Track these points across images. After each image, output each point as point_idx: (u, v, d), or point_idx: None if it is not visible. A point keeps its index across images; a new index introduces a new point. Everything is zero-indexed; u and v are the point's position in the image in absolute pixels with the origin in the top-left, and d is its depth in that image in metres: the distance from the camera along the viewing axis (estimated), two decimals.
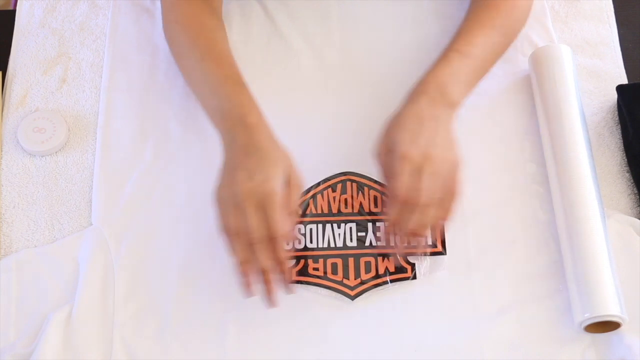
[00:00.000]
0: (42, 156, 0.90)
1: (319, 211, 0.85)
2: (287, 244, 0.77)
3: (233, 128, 0.80)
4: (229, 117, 0.81)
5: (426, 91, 0.82)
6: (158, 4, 1.00)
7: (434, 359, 0.77)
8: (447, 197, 0.78)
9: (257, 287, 0.75)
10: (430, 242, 0.79)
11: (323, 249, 0.83)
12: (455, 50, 0.85)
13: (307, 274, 0.82)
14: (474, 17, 0.90)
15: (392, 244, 0.78)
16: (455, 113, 0.82)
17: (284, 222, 0.74)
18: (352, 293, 0.81)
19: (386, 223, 0.78)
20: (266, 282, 0.75)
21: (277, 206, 0.74)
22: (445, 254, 0.83)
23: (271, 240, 0.74)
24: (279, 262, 0.75)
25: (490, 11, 0.89)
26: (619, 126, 0.91)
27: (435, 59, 0.86)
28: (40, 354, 0.75)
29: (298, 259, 0.83)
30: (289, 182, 0.77)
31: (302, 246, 0.84)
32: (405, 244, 0.78)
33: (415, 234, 0.77)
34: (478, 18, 0.89)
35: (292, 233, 0.77)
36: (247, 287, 0.74)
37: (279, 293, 0.76)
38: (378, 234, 0.84)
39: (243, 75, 0.85)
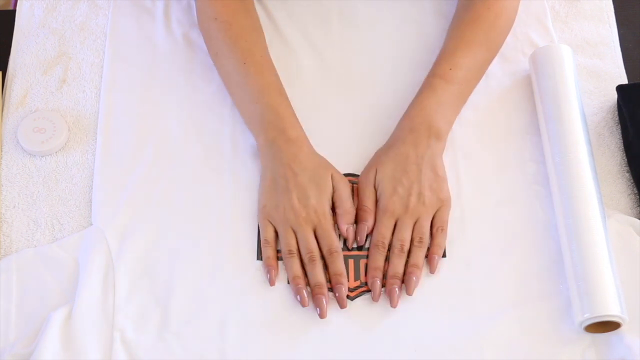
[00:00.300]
0: (42, 156, 0.90)
1: None
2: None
3: (275, 141, 0.84)
4: (271, 129, 0.85)
5: (413, 127, 0.85)
6: (158, 4, 1.00)
7: (434, 359, 0.77)
8: (437, 235, 0.82)
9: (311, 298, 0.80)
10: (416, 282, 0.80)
11: None
12: (439, 76, 0.87)
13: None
14: (457, 33, 0.90)
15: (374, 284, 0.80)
16: (443, 144, 0.86)
17: (337, 238, 0.82)
18: (352, 294, 0.81)
19: (370, 272, 0.81)
20: (320, 295, 0.79)
21: (331, 225, 0.82)
22: (445, 255, 0.83)
23: (331, 255, 0.80)
24: (341, 274, 0.80)
25: (473, 25, 0.90)
26: (619, 126, 0.91)
27: (421, 86, 0.89)
28: (40, 354, 0.75)
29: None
30: (336, 191, 0.83)
31: None
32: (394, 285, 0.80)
33: (402, 277, 0.80)
34: (461, 35, 0.90)
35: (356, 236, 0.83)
36: (304, 300, 0.79)
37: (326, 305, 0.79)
38: None
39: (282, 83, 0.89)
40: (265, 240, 0.82)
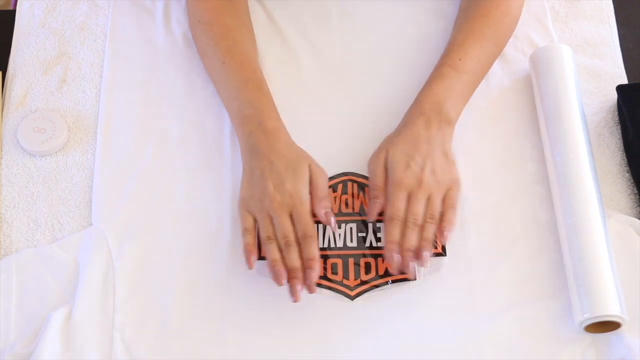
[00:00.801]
0: (42, 156, 0.90)
1: None
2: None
3: (252, 133, 0.84)
4: (248, 122, 0.85)
5: (423, 111, 0.85)
6: (158, 4, 1.00)
7: (434, 359, 0.77)
8: (448, 212, 0.82)
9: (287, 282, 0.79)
10: (430, 252, 0.80)
11: (323, 249, 0.83)
12: (448, 65, 0.88)
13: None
14: (465, 27, 0.91)
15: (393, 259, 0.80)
16: (452, 130, 0.86)
17: (313, 223, 0.80)
18: (352, 293, 0.81)
19: (387, 245, 0.80)
20: (295, 279, 0.78)
21: (307, 210, 0.81)
22: (446, 254, 0.83)
23: (304, 240, 0.79)
24: (312, 259, 0.79)
25: (482, 21, 0.90)
26: (619, 126, 0.91)
27: (430, 75, 0.89)
28: (40, 354, 0.75)
29: None
30: (313, 180, 0.82)
31: None
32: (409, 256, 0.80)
33: (415, 250, 0.80)
34: (470, 29, 0.90)
35: (331, 222, 0.82)
36: (281, 283, 0.78)
37: (303, 291, 0.79)
38: (378, 234, 0.84)
39: (265, 79, 0.89)
40: (245, 228, 0.81)
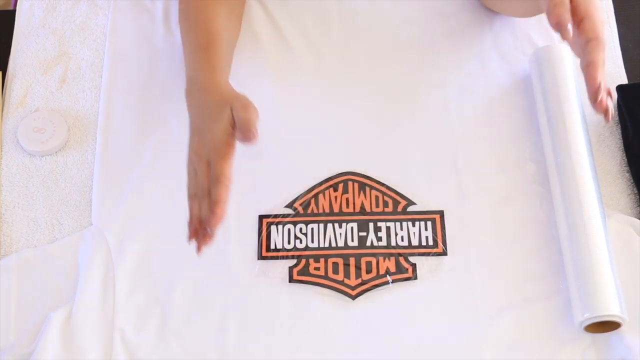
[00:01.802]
0: (42, 156, 0.90)
1: (321, 211, 0.85)
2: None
3: (191, 94, 0.82)
4: (190, 83, 0.83)
5: None
6: (158, 4, 1.00)
7: (434, 359, 0.77)
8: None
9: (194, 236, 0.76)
10: None
11: (324, 248, 0.83)
12: None
13: (308, 274, 0.82)
14: None
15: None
16: None
17: (227, 166, 0.74)
18: (353, 293, 0.81)
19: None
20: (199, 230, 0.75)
21: (221, 155, 0.75)
22: (446, 254, 0.83)
23: (214, 184, 0.74)
24: (216, 202, 0.73)
25: None
26: (619, 126, 0.91)
27: None
28: (40, 354, 0.75)
29: (299, 258, 0.83)
30: (235, 118, 0.75)
31: (303, 246, 0.84)
32: None
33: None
34: None
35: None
36: (189, 241, 0.75)
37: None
38: (379, 233, 0.84)
39: (223, 40, 0.85)
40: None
